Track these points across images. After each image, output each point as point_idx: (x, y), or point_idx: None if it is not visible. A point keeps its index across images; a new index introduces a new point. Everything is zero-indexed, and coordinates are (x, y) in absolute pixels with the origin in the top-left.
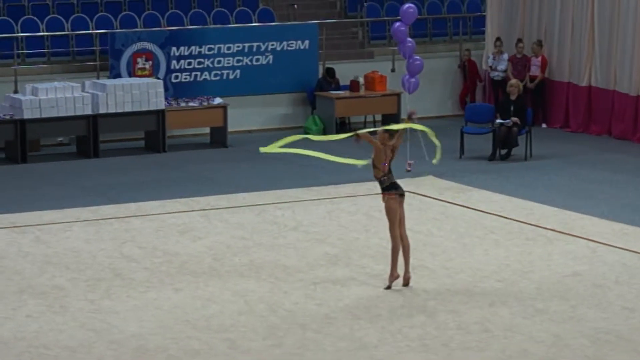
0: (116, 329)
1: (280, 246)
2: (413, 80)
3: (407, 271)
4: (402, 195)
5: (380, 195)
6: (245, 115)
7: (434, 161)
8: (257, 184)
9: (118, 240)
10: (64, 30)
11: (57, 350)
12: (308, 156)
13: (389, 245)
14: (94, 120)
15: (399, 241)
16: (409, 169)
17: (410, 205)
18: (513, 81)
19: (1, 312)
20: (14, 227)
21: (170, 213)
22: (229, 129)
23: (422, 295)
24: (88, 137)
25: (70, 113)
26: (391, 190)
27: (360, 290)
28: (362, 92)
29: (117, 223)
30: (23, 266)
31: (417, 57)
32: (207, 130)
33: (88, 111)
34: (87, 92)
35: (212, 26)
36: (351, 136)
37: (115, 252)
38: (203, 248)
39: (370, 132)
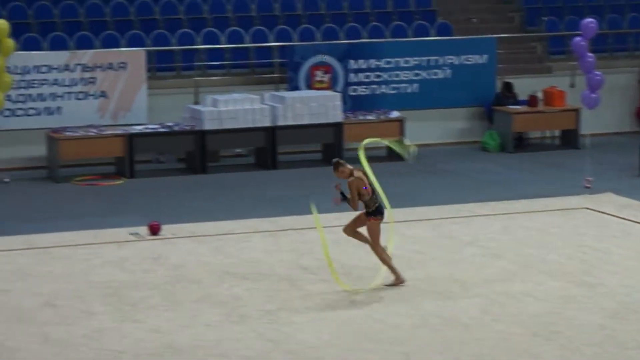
0: (293, 340)
1: (456, 261)
2: (594, 95)
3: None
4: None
5: (367, 219)
6: (422, 129)
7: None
8: (433, 197)
9: (296, 252)
10: (243, 43)
11: (235, 359)
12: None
13: (567, 262)
14: (272, 132)
15: (384, 251)
16: (588, 185)
17: (589, 222)
18: None
19: (180, 320)
20: (194, 236)
21: None
22: (409, 142)
23: (600, 313)
24: (266, 148)
25: (250, 125)
26: (377, 215)
27: (537, 306)
28: (540, 107)
29: (295, 234)
30: (202, 275)
31: (598, 72)
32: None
33: (267, 123)
34: (266, 104)
35: (390, 39)
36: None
37: (293, 264)
38: (378, 260)
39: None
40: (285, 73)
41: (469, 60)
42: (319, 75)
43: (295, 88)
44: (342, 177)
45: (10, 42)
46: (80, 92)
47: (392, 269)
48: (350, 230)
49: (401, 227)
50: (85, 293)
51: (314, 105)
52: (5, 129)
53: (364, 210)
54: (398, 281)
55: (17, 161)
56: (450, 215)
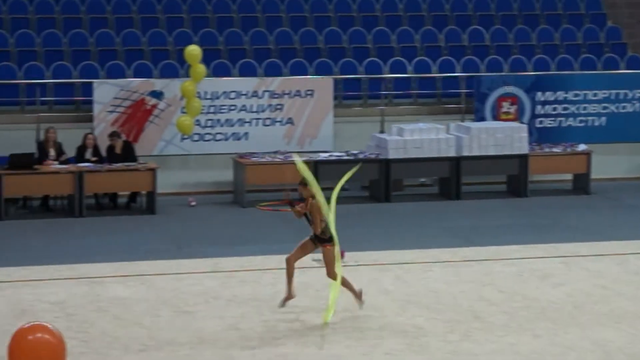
0: None
1: None
2: None
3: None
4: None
5: (322, 245)
6: (609, 162)
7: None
8: (620, 232)
9: (478, 283)
10: (430, 72)
11: None
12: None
13: None
14: (457, 163)
15: (342, 275)
16: None
17: None
18: None
19: (361, 348)
20: (376, 264)
21: (529, 258)
22: (592, 176)
23: None
24: (451, 178)
25: (435, 154)
26: (332, 242)
27: None
28: None
29: (477, 265)
30: (384, 304)
31: None
32: (569, 176)
33: (452, 153)
34: (452, 134)
35: (579, 72)
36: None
37: (474, 295)
38: (563, 295)
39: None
40: (471, 103)
41: None
42: (506, 106)
43: (482, 119)
44: (306, 195)
45: (201, 68)
46: (268, 118)
47: (353, 290)
48: (295, 258)
49: (585, 261)
50: (269, 318)
51: (499, 136)
52: (193, 154)
53: (313, 236)
54: (358, 298)
55: (204, 185)
56: (637, 251)
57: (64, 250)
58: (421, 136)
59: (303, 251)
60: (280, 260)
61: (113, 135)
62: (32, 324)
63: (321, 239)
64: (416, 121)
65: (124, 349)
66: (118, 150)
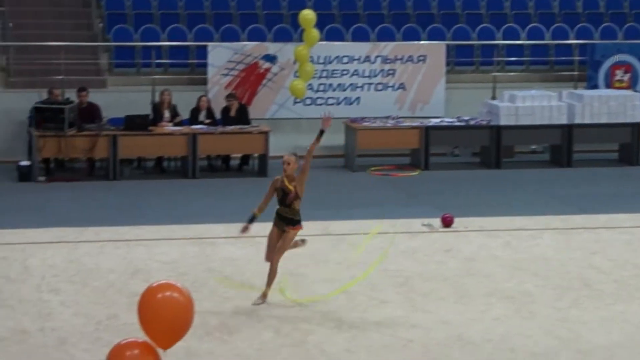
0: (583, 339)
1: None
2: None
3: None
4: None
5: (291, 228)
6: None
7: None
8: None
9: (587, 251)
10: (544, 39)
11: (523, 355)
12: None
13: None
14: (569, 130)
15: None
16: None
17: None
18: None
19: (470, 313)
20: (485, 230)
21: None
22: None
23: None
24: (562, 146)
25: (546, 122)
26: (300, 224)
27: None
28: None
29: (586, 233)
30: (493, 270)
31: None
32: None
33: (563, 121)
34: (564, 102)
35: None
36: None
37: (584, 262)
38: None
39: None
40: (584, 71)
41: None
42: (619, 74)
43: (594, 86)
44: (291, 168)
45: (315, 33)
46: (380, 83)
47: (270, 285)
48: (277, 258)
49: None
50: (378, 281)
51: (612, 104)
52: (305, 117)
53: (280, 219)
54: (262, 299)
55: (316, 149)
56: None
57: (176, 211)
58: (533, 103)
59: (277, 244)
60: (390, 225)
61: (230, 97)
62: (160, 282)
63: (293, 221)
64: (528, 88)
65: (234, 309)
66: (233, 112)
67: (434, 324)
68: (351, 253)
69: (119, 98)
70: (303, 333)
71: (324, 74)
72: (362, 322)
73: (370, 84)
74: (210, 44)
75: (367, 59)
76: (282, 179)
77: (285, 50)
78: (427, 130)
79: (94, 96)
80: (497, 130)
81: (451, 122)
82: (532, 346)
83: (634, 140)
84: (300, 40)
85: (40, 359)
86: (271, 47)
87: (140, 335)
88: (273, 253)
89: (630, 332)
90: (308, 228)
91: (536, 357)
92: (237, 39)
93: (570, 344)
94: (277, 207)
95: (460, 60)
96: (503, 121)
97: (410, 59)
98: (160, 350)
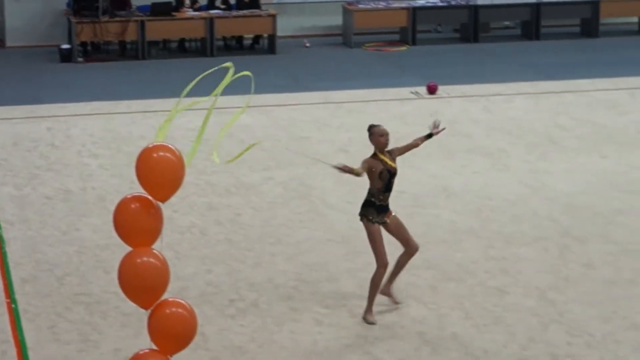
0: (549, 187)
1: None
2: None
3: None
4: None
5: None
6: None
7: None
8: None
9: (553, 112)
10: None
11: (498, 201)
12: None
13: None
14: (537, 7)
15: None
16: None
17: None
18: None
19: (453, 167)
20: (466, 96)
21: (599, 90)
22: None
23: None
24: (531, 22)
25: (518, 0)
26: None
27: None
28: None
29: (552, 97)
30: (472, 130)
31: None
32: (635, 19)
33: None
34: None
35: None
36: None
37: (550, 122)
38: (628, 122)
39: None
40: None
41: None
42: None
43: None
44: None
45: None
46: None
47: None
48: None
49: None
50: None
51: None
52: (308, 2)
53: (383, 212)
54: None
55: (317, 29)
56: None
57: (197, 85)
58: None
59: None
60: (382, 93)
61: None
62: (155, 144)
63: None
64: None
65: (249, 167)
66: None
67: (422, 177)
68: (349, 118)
69: None
70: (308, 188)
71: None
72: (360, 177)
73: None
74: None
75: None
76: (380, 159)
77: None
78: (414, 11)
79: None
80: (475, 9)
81: (435, 2)
82: (507, 194)
83: (593, 16)
84: None
85: (83, 214)
86: None
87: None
88: (384, 252)
89: (589, 180)
90: (311, 97)
91: (510, 202)
92: None
93: (539, 191)
94: (375, 198)
95: None
96: (480, 1)
97: None
98: None
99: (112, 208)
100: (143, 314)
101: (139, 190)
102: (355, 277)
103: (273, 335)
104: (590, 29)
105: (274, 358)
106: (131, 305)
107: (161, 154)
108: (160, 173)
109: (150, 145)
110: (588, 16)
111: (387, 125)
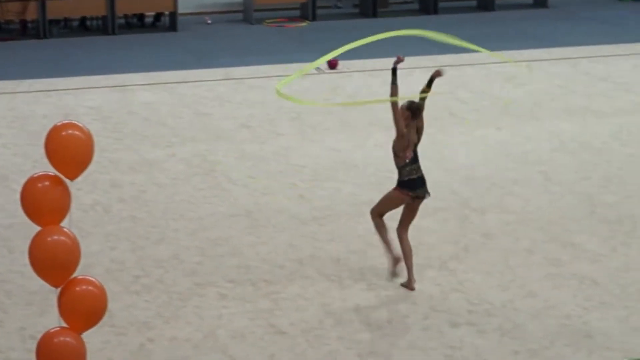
0: (449, 159)
1: (591, 94)
2: None
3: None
4: (418, 198)
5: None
6: None
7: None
8: (574, 39)
9: (452, 85)
10: None
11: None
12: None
13: None
14: None
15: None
16: None
17: None
18: None
19: (353, 140)
20: (365, 70)
21: (497, 63)
22: None
23: None
24: None
25: None
26: (404, 189)
27: None
28: None
29: (452, 70)
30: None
31: None
32: None
33: None
34: None
35: None
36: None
37: (449, 96)
38: (524, 94)
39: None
40: None
41: None
42: None
43: None
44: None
45: None
46: None
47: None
48: (405, 228)
49: (545, 64)
50: (274, 117)
51: None
52: None
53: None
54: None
55: (218, 6)
56: (587, 55)
57: (100, 63)
58: None
59: (410, 215)
60: (283, 69)
61: None
62: (64, 122)
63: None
64: None
65: (153, 144)
66: None
67: (322, 151)
68: (250, 94)
69: None
70: (211, 164)
71: None
72: (262, 152)
73: None
74: None
75: None
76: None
77: None
78: None
79: None
80: None
81: None
82: None
83: None
84: None
85: None
86: None
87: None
88: (381, 210)
89: (486, 152)
90: (213, 74)
91: None
92: None
93: (439, 163)
94: (406, 169)
95: None
96: None
97: None
98: None
99: (16, 187)
100: (48, 292)
101: (42, 169)
102: (258, 251)
103: (178, 310)
104: (486, 2)
105: (180, 333)
106: (36, 284)
107: (70, 132)
108: (70, 151)
109: (59, 124)
110: None
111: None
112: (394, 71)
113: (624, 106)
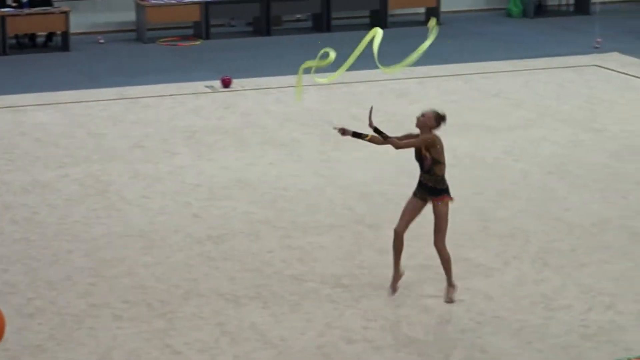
0: (343, 176)
1: (484, 110)
2: None
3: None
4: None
5: (436, 200)
6: None
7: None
8: (466, 56)
9: (346, 102)
10: None
11: (294, 192)
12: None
13: (578, 111)
14: (327, 1)
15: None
16: (597, 46)
17: (597, 77)
18: None
19: (247, 159)
20: (260, 88)
21: (390, 80)
22: (442, 9)
23: (604, 154)
24: (322, 14)
25: None
26: (448, 192)
27: (552, 149)
28: None
29: (345, 87)
30: (267, 122)
31: None
32: (423, 9)
33: None
34: None
35: None
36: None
37: (343, 112)
38: (418, 110)
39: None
40: None
41: None
42: None
43: None
44: (422, 128)
45: None
46: None
47: (450, 273)
48: (404, 228)
49: (438, 81)
50: (168, 136)
51: None
52: None
53: (421, 188)
54: (452, 292)
55: (110, 25)
56: (479, 71)
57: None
58: None
59: (411, 215)
60: (177, 88)
61: None
62: None
63: (436, 190)
64: None
65: (45, 165)
66: None
67: (218, 170)
68: (144, 113)
69: None
70: (104, 184)
71: None
72: (156, 172)
73: None
74: None
75: None
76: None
77: None
78: (207, 5)
79: None
80: (267, 3)
81: None
82: (302, 184)
83: (382, 7)
84: None
85: None
86: None
87: None
88: (404, 223)
89: (380, 169)
90: (106, 94)
91: (306, 192)
92: None
93: (333, 180)
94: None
95: None
96: None
97: None
98: None
99: None
100: None
101: None
102: (153, 271)
103: (72, 332)
104: (379, 20)
105: (74, 355)
106: None
107: None
108: None
109: None
110: (377, 8)
111: (183, 119)
112: (376, 130)
113: (515, 122)
